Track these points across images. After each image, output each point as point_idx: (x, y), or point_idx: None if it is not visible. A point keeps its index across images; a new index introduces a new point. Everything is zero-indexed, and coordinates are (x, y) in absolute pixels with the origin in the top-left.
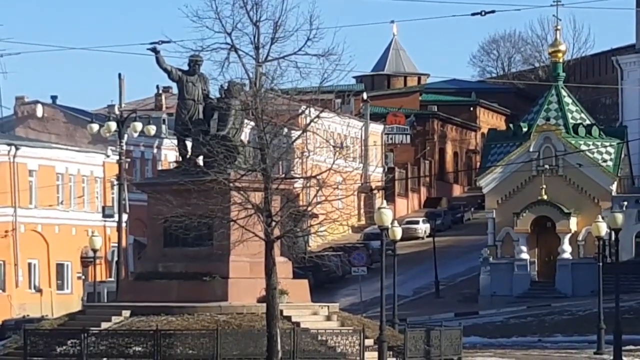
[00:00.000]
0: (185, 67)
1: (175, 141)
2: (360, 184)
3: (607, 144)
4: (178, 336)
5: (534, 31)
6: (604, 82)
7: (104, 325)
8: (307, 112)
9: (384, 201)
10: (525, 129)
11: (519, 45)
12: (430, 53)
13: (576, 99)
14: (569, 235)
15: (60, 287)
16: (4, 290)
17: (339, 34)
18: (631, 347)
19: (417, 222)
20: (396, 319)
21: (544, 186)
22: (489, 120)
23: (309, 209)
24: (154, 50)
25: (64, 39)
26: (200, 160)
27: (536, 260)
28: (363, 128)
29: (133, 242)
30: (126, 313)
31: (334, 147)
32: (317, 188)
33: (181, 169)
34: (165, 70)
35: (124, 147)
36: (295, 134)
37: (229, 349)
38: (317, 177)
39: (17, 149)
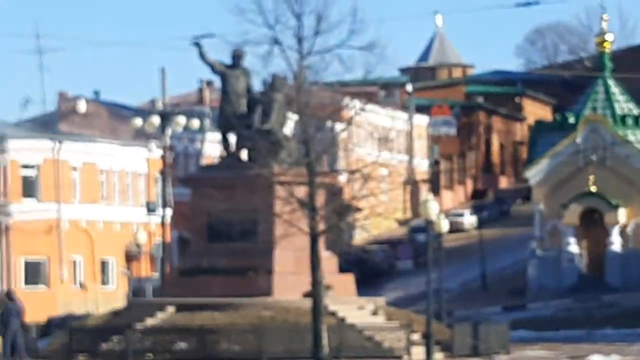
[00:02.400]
0: (228, 61)
1: (219, 135)
2: (405, 177)
3: None
4: (223, 332)
5: (579, 21)
6: None
7: (149, 321)
8: (351, 105)
9: (430, 194)
10: (572, 120)
11: (565, 35)
12: (474, 44)
13: (624, 89)
14: (617, 227)
15: (104, 283)
16: (48, 287)
17: (382, 26)
18: None
19: (463, 215)
20: (443, 313)
21: (592, 177)
22: (535, 111)
23: (354, 202)
24: (197, 44)
25: (106, 33)
26: (244, 155)
27: (584, 253)
28: (408, 120)
29: (177, 238)
30: (171, 309)
31: (378, 139)
32: (362, 181)
33: (225, 164)
34: (208, 64)
35: (168, 142)
36: (339, 127)
37: (274, 345)
38: (362, 170)
39: (60, 144)
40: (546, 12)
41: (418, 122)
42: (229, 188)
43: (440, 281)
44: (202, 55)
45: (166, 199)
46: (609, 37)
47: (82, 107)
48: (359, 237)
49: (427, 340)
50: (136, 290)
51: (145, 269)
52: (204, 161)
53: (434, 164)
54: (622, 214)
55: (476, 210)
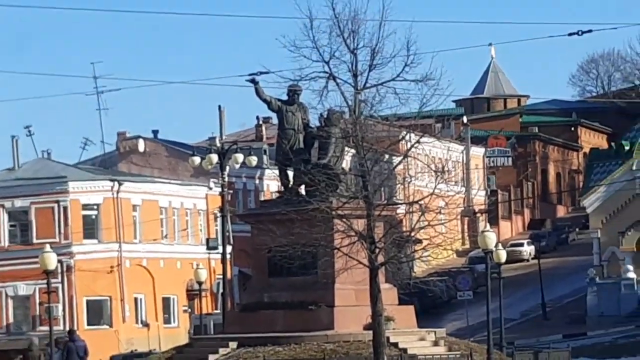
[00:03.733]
0: (285, 97)
1: (277, 171)
2: (463, 208)
3: None
4: None
5: (632, 49)
6: None
7: (212, 357)
8: (407, 137)
9: (488, 224)
10: (627, 147)
11: (618, 63)
12: (529, 74)
13: None
14: None
15: (167, 320)
16: (111, 326)
17: (436, 58)
18: None
19: (521, 244)
20: (504, 343)
21: None
22: (591, 139)
23: (412, 234)
24: (253, 81)
25: (163, 73)
26: (302, 190)
27: None
28: (464, 152)
29: (238, 274)
30: (233, 345)
31: (435, 171)
32: (420, 213)
33: (283, 199)
34: (264, 100)
35: (226, 179)
36: (396, 159)
37: None
38: (420, 202)
39: (120, 184)
40: (599, 40)
41: (474, 153)
42: (288, 223)
43: (500, 311)
44: (258, 92)
45: (226, 235)
46: None
47: (141, 146)
48: (419, 269)
49: None
50: (198, 327)
51: (206, 306)
52: (263, 197)
53: (491, 194)
54: None
55: (534, 239)
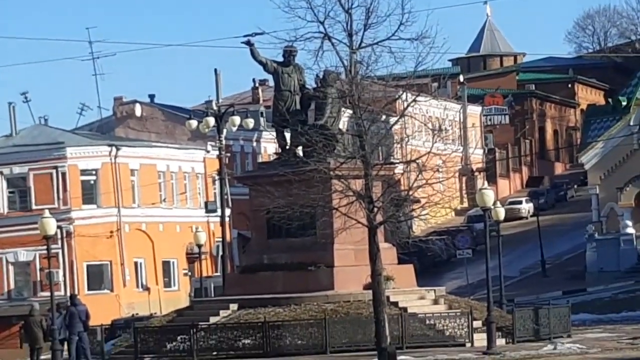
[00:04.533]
0: (280, 59)
1: (274, 133)
2: (460, 167)
3: None
4: (286, 327)
5: (629, 4)
6: None
7: (213, 319)
8: (403, 97)
9: (486, 182)
10: (624, 103)
11: (615, 19)
12: (525, 32)
13: None
14: None
15: (167, 284)
16: (111, 290)
17: (431, 16)
18: None
19: (520, 202)
20: (503, 300)
21: None
22: (588, 96)
23: (410, 193)
24: (248, 43)
25: (158, 37)
26: (299, 151)
27: None
28: (461, 110)
29: (237, 236)
30: (234, 306)
31: (432, 130)
32: (417, 172)
33: (281, 160)
34: (260, 62)
35: (224, 142)
36: (392, 119)
37: (337, 338)
38: (417, 161)
39: (117, 149)
40: None
41: (471, 111)
42: (286, 184)
43: (499, 268)
44: (253, 54)
45: (224, 198)
46: None
47: (138, 111)
48: (418, 228)
49: (489, 326)
50: (198, 290)
51: (206, 269)
52: (260, 159)
53: (489, 152)
54: None
55: (532, 197)
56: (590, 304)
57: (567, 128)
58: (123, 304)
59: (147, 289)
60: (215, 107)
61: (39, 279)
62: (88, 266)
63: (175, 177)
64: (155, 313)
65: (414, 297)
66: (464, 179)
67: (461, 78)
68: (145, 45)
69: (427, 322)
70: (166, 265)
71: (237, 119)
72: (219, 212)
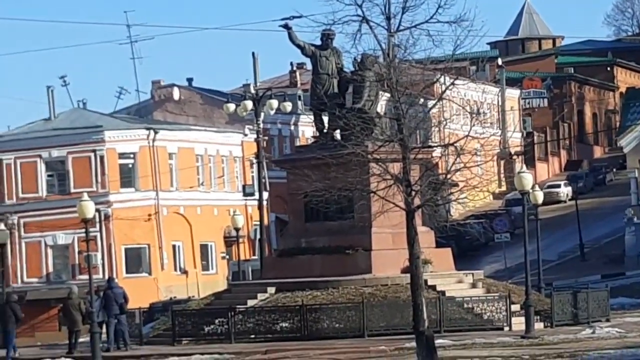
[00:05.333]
0: (318, 42)
1: (312, 116)
2: (498, 150)
3: None
4: (324, 310)
5: None
6: None
7: (250, 303)
8: (441, 80)
9: (524, 166)
10: None
11: None
12: (563, 15)
13: None
14: None
15: (205, 267)
16: (149, 274)
17: None
18: None
19: (558, 186)
20: (542, 284)
21: None
22: (627, 79)
23: (448, 176)
24: (286, 26)
25: (196, 20)
26: (337, 134)
27: None
28: (499, 94)
29: (275, 219)
30: (271, 290)
31: (470, 113)
32: (456, 155)
33: (319, 144)
34: (298, 46)
35: (261, 125)
36: (430, 102)
37: (375, 321)
38: (455, 144)
39: (156, 132)
40: None
41: (509, 95)
42: (324, 167)
43: (537, 252)
44: (291, 38)
45: (262, 181)
46: None
47: (176, 94)
48: (456, 212)
49: (527, 310)
50: (236, 273)
51: (244, 252)
52: (298, 142)
53: (527, 136)
54: None
55: (571, 180)
56: (629, 287)
57: (606, 111)
58: (161, 287)
59: (185, 272)
60: (253, 91)
61: (77, 262)
62: (126, 249)
63: (213, 160)
64: (193, 296)
65: (451, 281)
66: (502, 162)
67: (499, 61)
68: (183, 28)
69: (465, 305)
70: (204, 248)
71: (274, 103)
72: (256, 196)
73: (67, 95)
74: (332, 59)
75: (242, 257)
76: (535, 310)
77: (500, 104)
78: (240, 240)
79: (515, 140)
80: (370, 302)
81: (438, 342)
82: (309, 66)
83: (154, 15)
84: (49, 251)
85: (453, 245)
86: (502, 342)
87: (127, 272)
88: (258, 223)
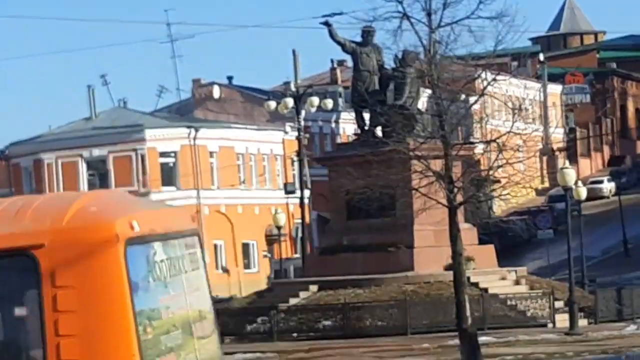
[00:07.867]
0: (359, 39)
1: (353, 114)
2: (541, 146)
3: None
4: (367, 308)
5: None
6: None
7: (292, 301)
8: (483, 76)
9: (567, 162)
10: None
11: None
12: (605, 9)
13: None
14: None
15: (246, 266)
16: None
17: None
18: None
19: (601, 182)
20: (585, 280)
21: None
22: None
23: (491, 173)
24: (327, 23)
25: (236, 18)
26: (378, 131)
27: None
28: (541, 89)
29: (316, 217)
30: (313, 288)
31: (512, 109)
32: (498, 152)
33: (360, 141)
34: (338, 43)
35: (302, 123)
36: (472, 99)
37: (418, 319)
38: (497, 140)
39: (196, 131)
40: None
41: (552, 90)
42: (365, 165)
43: (581, 248)
44: (332, 35)
45: (303, 179)
46: None
47: (216, 92)
48: (498, 208)
49: (571, 307)
50: (278, 271)
51: (286, 251)
52: (339, 140)
53: (570, 131)
54: None
55: (614, 176)
56: None
57: None
58: None
59: (227, 271)
60: (293, 88)
61: None
62: None
63: (254, 158)
64: (235, 295)
65: (494, 278)
66: (544, 158)
67: (541, 57)
68: (223, 26)
69: (509, 302)
70: (245, 247)
71: (315, 100)
72: (298, 194)
73: (107, 94)
74: (373, 56)
75: (284, 256)
76: (579, 307)
77: (542, 99)
78: (282, 238)
79: (558, 136)
80: (412, 299)
81: (481, 339)
82: (350, 63)
83: (194, 14)
84: None
85: (496, 242)
86: (545, 339)
87: None
88: (300, 221)
